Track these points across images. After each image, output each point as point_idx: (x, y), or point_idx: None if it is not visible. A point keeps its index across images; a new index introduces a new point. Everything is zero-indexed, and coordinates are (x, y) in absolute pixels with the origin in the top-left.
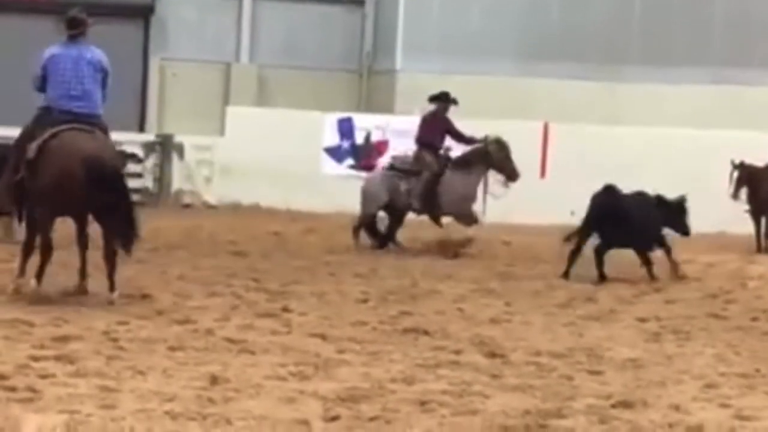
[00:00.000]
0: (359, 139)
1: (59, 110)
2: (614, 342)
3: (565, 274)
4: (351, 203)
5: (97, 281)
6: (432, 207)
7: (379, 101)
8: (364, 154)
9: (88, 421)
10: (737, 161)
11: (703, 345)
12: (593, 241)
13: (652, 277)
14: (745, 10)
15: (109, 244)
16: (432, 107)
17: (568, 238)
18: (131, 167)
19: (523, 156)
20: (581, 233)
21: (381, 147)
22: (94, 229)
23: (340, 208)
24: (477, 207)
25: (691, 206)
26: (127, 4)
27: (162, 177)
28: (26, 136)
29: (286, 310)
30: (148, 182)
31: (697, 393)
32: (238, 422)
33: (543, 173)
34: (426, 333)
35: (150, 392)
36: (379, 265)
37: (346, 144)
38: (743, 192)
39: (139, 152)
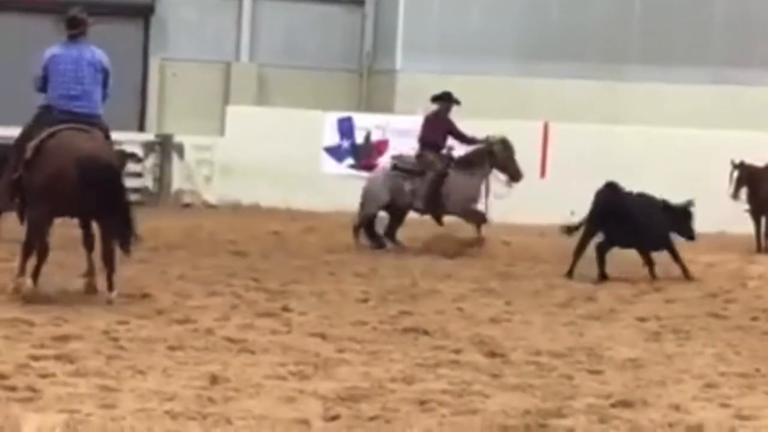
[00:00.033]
0: (359, 138)
1: (59, 110)
2: (614, 341)
3: (569, 273)
4: (351, 203)
5: (97, 281)
6: (436, 207)
7: (379, 101)
8: (364, 154)
9: (87, 420)
10: (737, 161)
11: (703, 344)
12: (595, 239)
13: (653, 276)
14: (745, 10)
15: (107, 244)
16: (434, 107)
17: (567, 231)
18: (131, 167)
19: (523, 156)
20: (585, 231)
21: (381, 146)
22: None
23: (340, 207)
24: (479, 207)
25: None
26: (127, 4)
27: (162, 177)
28: (26, 136)
29: (285, 309)
30: (148, 182)
31: (697, 392)
32: (238, 422)
33: (543, 173)
34: (426, 332)
35: (150, 392)
36: (379, 264)
37: (346, 143)
38: (743, 192)
39: (139, 152)
